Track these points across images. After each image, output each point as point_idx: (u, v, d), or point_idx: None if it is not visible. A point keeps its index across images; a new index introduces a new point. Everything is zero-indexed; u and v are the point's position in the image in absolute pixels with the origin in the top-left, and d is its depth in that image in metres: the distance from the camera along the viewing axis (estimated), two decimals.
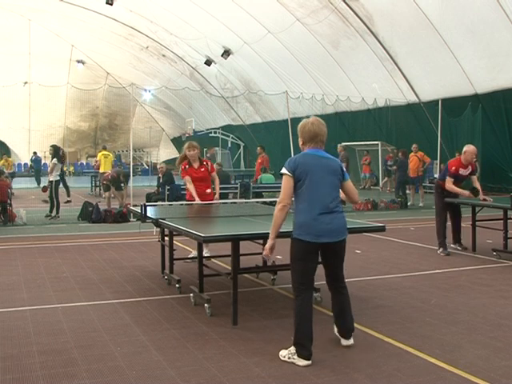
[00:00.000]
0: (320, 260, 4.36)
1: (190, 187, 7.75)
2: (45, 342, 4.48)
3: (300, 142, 4.32)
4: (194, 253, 7.99)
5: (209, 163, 8.13)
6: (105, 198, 14.89)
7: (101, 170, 17.94)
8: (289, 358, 4.06)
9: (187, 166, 7.84)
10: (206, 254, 7.98)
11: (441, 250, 8.52)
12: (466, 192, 8.50)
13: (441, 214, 8.75)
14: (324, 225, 4.08)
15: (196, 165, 7.84)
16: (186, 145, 8.02)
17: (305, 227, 4.09)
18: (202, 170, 7.86)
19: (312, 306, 4.21)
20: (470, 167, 8.62)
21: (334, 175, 4.21)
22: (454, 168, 8.47)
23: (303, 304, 4.12)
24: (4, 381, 3.71)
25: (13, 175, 16.79)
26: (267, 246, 4.22)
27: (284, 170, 4.14)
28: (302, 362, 4.00)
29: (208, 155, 16.42)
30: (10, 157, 25.71)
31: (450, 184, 8.47)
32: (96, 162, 21.23)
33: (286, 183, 4.12)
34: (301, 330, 4.08)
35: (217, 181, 8.10)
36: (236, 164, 31.26)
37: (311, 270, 4.20)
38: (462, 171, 8.53)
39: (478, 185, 8.81)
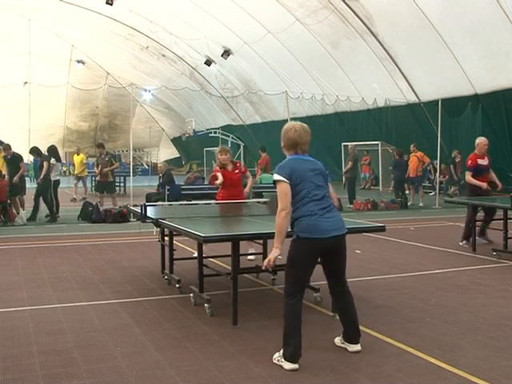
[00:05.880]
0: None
1: (219, 175, 7.76)
2: (45, 341, 4.47)
3: (282, 144, 4.20)
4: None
5: (242, 164, 8.28)
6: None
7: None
8: (278, 360, 3.96)
9: (221, 169, 7.87)
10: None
11: (464, 242, 9.01)
12: (484, 184, 8.88)
13: (469, 210, 9.10)
14: (328, 221, 3.99)
15: (230, 167, 7.88)
16: (218, 149, 8.41)
17: (311, 227, 3.94)
18: (236, 172, 7.90)
19: (301, 309, 4.04)
20: (487, 158, 9.05)
21: (322, 176, 4.14)
22: (470, 161, 8.98)
23: (297, 306, 3.98)
24: (4, 381, 3.71)
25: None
26: (272, 256, 3.95)
27: (279, 177, 3.95)
28: (289, 366, 3.87)
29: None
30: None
31: (468, 176, 9.00)
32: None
33: (284, 189, 3.93)
34: (292, 333, 3.93)
35: (250, 180, 8.27)
36: None
37: (310, 272, 4.10)
38: (480, 161, 8.96)
39: (494, 178, 9.24)
